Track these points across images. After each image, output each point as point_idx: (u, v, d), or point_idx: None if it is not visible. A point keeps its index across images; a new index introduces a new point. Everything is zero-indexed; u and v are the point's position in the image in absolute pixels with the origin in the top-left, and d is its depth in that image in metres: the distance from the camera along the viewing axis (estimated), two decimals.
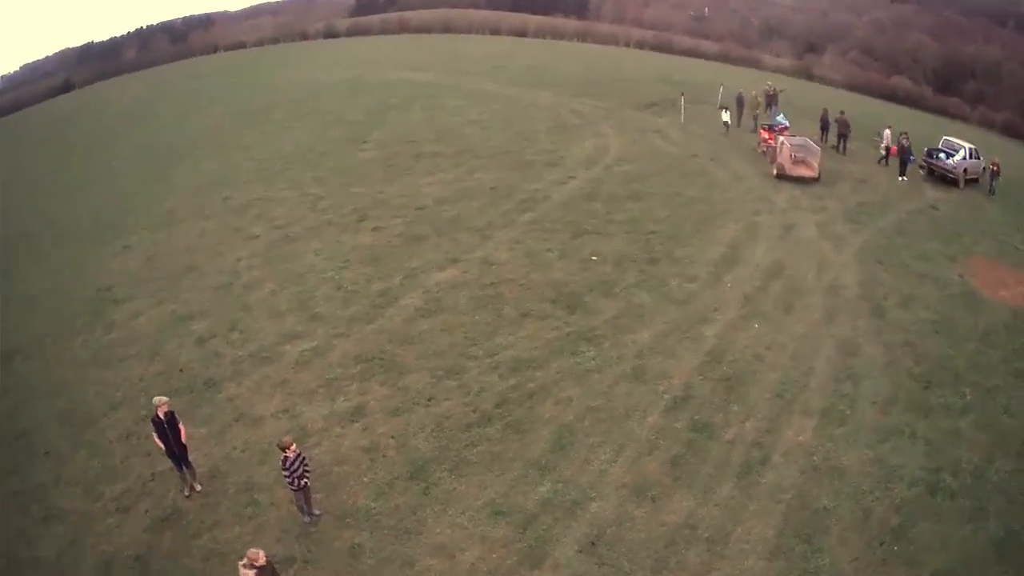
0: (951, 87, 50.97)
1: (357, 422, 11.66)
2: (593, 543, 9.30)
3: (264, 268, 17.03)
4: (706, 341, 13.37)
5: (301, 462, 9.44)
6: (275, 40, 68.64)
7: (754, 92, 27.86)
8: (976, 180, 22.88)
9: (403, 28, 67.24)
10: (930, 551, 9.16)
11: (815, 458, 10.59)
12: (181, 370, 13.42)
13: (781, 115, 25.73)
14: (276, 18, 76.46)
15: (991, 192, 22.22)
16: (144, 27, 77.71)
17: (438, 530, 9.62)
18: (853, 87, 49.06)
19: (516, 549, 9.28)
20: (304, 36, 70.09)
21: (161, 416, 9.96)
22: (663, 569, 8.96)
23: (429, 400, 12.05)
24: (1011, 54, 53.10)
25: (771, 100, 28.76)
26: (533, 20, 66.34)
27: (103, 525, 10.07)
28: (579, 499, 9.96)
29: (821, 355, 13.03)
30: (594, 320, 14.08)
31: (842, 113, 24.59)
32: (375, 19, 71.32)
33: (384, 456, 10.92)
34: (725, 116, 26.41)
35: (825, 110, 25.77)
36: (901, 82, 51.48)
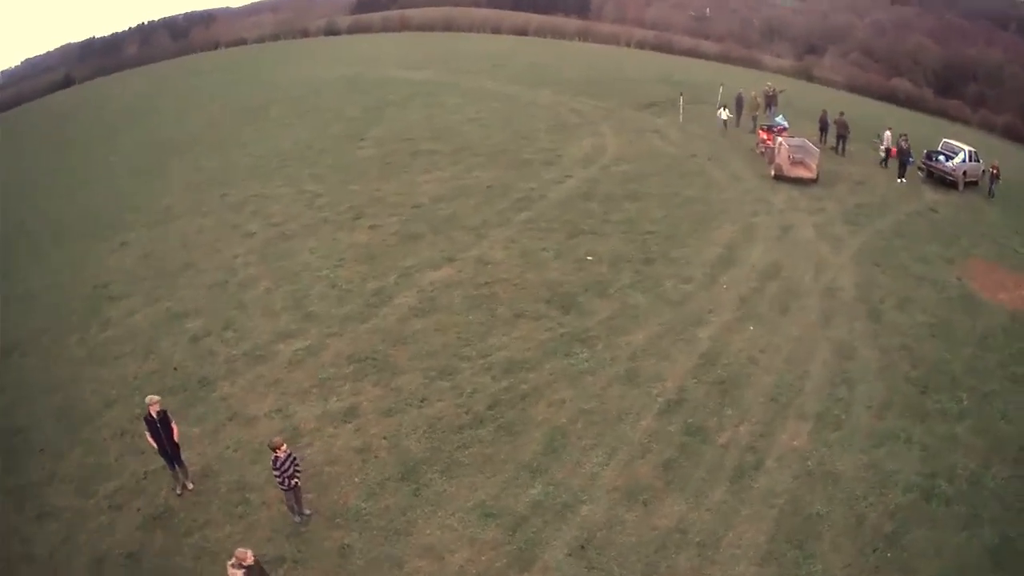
0: (952, 89, 50.82)
1: (349, 422, 11.63)
2: (583, 546, 9.25)
3: (260, 266, 17.00)
4: (701, 343, 13.31)
5: (292, 462, 9.47)
6: (276, 37, 68.47)
7: (753, 92, 27.76)
8: (976, 183, 22.79)
9: (404, 26, 67.11)
10: (924, 558, 9.10)
11: (809, 463, 10.53)
12: (175, 368, 13.41)
13: (780, 116, 25.64)
14: (277, 15, 76.31)
15: (990, 195, 22.14)
16: (146, 23, 77.65)
17: (428, 531, 9.59)
18: (853, 88, 48.90)
19: (505, 551, 9.23)
20: (305, 33, 69.97)
21: (154, 415, 10.03)
22: (653, 574, 8.91)
23: (422, 401, 12.00)
24: (1012, 57, 52.96)
25: (770, 101, 28.67)
26: (534, 19, 66.18)
27: (96, 523, 10.09)
28: (570, 502, 9.91)
29: (816, 358, 12.96)
30: (588, 321, 14.02)
31: (841, 114, 24.50)
32: (376, 16, 71.14)
33: (376, 457, 10.89)
34: (724, 115, 26.32)
35: (824, 111, 25.67)
36: (902, 84, 51.32)
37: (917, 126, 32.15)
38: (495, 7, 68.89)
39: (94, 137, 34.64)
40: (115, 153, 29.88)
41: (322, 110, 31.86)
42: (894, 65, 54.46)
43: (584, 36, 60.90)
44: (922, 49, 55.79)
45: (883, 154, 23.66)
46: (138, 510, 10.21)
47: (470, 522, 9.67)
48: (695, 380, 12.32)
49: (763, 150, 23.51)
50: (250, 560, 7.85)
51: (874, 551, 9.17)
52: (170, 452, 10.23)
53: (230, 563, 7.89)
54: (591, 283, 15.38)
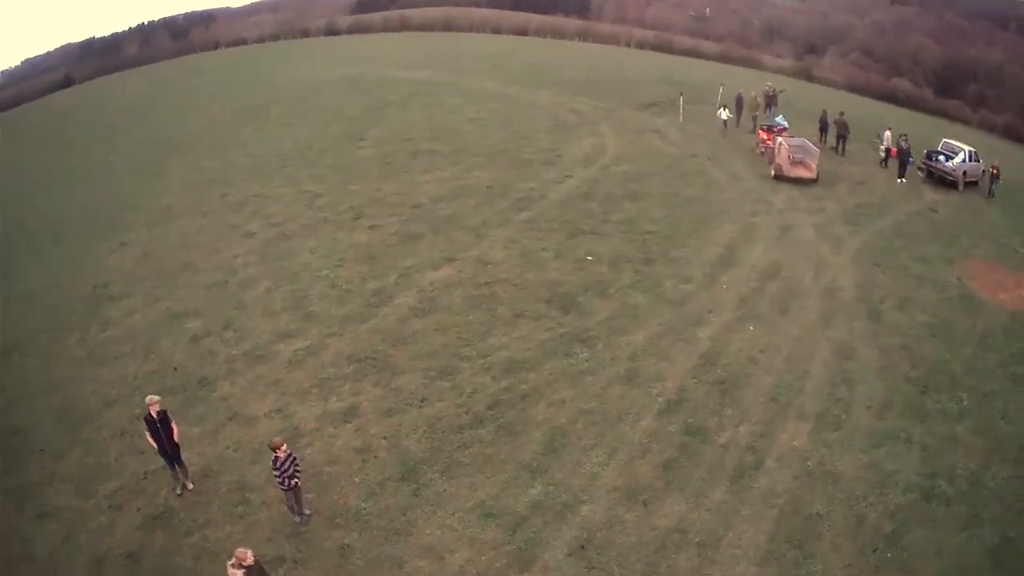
0: (952, 89, 50.79)
1: (349, 422, 11.62)
2: (583, 546, 9.25)
3: (260, 266, 16.99)
4: (701, 343, 13.31)
5: (292, 462, 9.47)
6: (276, 37, 68.48)
7: (753, 93, 27.75)
8: (976, 183, 22.78)
9: (404, 26, 67.11)
10: (924, 558, 9.09)
11: (809, 463, 10.52)
12: (175, 368, 13.40)
13: (780, 116, 25.64)
14: (277, 15, 76.30)
15: (990, 195, 22.13)
16: (146, 23, 77.67)
17: (428, 531, 9.59)
18: (853, 88, 48.87)
19: (505, 551, 9.23)
20: (305, 33, 69.97)
21: (154, 415, 10.02)
22: (653, 574, 8.91)
23: (422, 401, 11.99)
24: (1013, 57, 52.93)
25: (770, 101, 28.66)
26: (534, 19, 66.17)
27: (96, 523, 10.09)
28: (570, 502, 9.90)
29: (816, 358, 12.96)
30: (588, 321, 14.02)
31: (841, 114, 24.50)
32: (376, 16, 71.14)
33: (376, 457, 10.88)
34: (724, 115, 26.32)
35: (824, 111, 25.66)
36: (902, 84, 51.30)
37: (917, 126, 32.15)
38: (495, 7, 68.89)
39: (94, 137, 34.64)
40: (115, 153, 29.88)
41: (322, 110, 31.86)
42: (894, 65, 54.45)
43: (584, 36, 60.89)
44: (922, 49, 55.77)
45: (883, 154, 23.65)
46: (138, 510, 10.21)
47: (470, 522, 9.67)
48: (695, 380, 12.31)
49: (763, 150, 23.51)
50: (250, 560, 7.85)
51: (874, 551, 9.16)
52: (170, 452, 10.23)
53: (230, 563, 7.89)
54: (591, 283, 15.37)
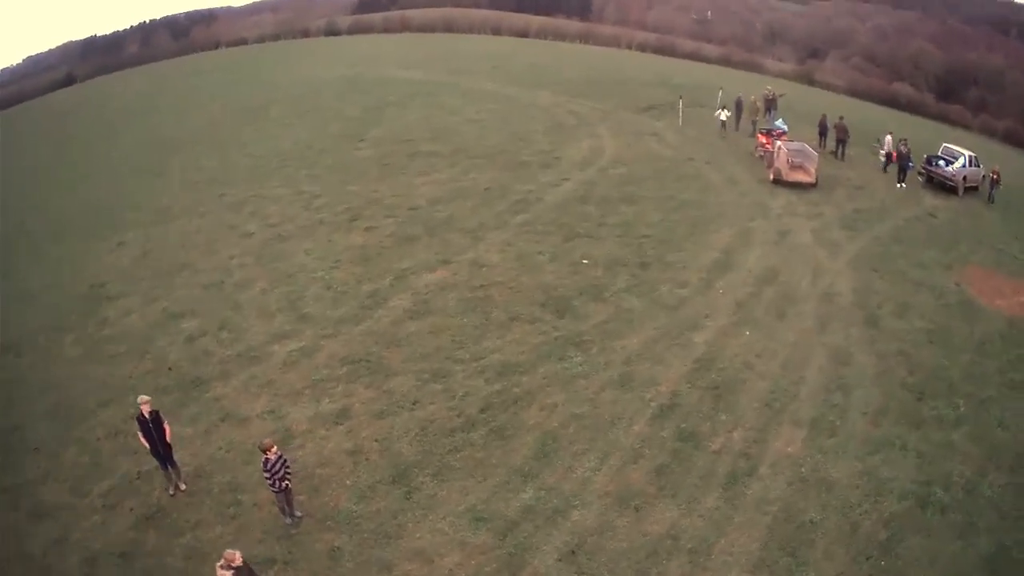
0: (953, 94, 50.79)
1: (341, 424, 11.58)
2: (573, 552, 9.19)
3: (256, 267, 16.97)
4: (696, 348, 13.24)
5: (282, 464, 9.44)
6: (277, 37, 68.66)
7: (753, 97, 27.69)
8: (976, 188, 22.70)
9: (405, 26, 67.20)
10: (918, 567, 9.01)
11: (803, 470, 10.45)
12: (170, 368, 13.38)
13: (780, 120, 25.58)
14: (278, 15, 76.47)
15: (990, 200, 22.05)
16: (147, 22, 77.98)
17: (418, 535, 9.54)
18: (855, 93, 48.83)
19: (495, 556, 9.17)
20: (306, 33, 70.10)
21: (146, 415, 10.01)
22: None
23: (414, 404, 11.94)
24: (1014, 62, 52.94)
25: (770, 105, 28.62)
26: (535, 20, 66.25)
27: (89, 522, 10.07)
28: (561, 507, 9.84)
29: (812, 364, 12.89)
30: (583, 325, 13.96)
31: (841, 119, 24.44)
32: (377, 17, 71.27)
33: (367, 459, 10.84)
34: (723, 115, 26.26)
35: (824, 115, 25.59)
36: (903, 88, 51.27)
37: (918, 131, 32.08)
38: (496, 8, 68.97)
39: (95, 135, 34.68)
40: (115, 152, 29.91)
41: (322, 110, 31.86)
42: (895, 69, 54.46)
43: (585, 38, 60.94)
44: (923, 54, 55.78)
45: (883, 159, 23.59)
46: (131, 510, 10.19)
47: (461, 526, 9.61)
48: (689, 385, 12.24)
49: (762, 154, 23.45)
50: (238, 562, 7.82)
51: (868, 559, 9.08)
52: (162, 452, 10.20)
53: (219, 564, 7.87)
54: (586, 287, 15.31)
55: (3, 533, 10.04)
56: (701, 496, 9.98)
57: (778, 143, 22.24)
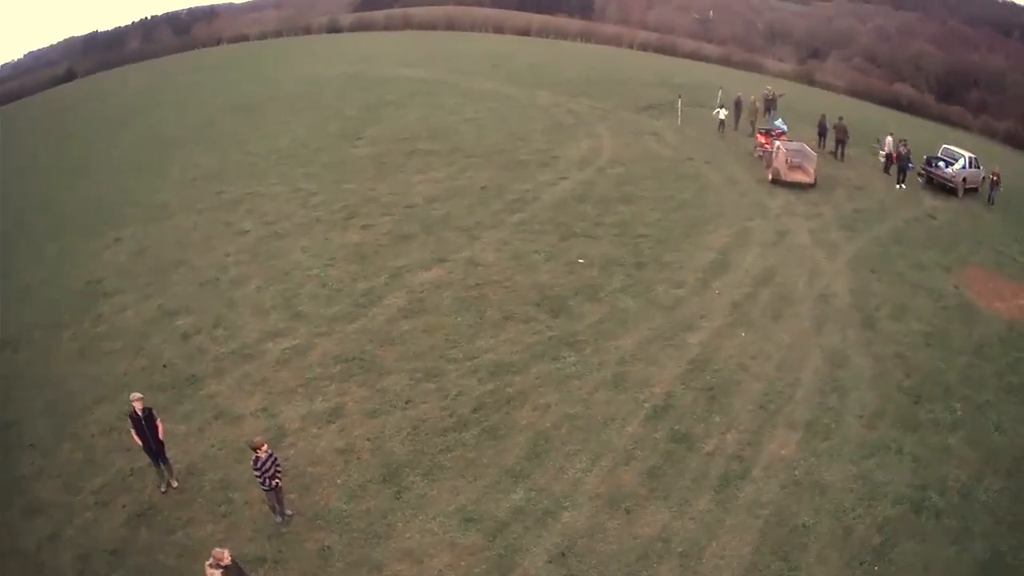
0: (954, 95, 50.64)
1: (334, 423, 11.54)
2: (563, 554, 9.12)
3: (251, 264, 16.93)
4: (690, 349, 13.16)
5: (273, 462, 9.41)
6: (278, 34, 68.53)
7: (753, 97, 27.60)
8: (976, 189, 22.61)
9: (406, 24, 67.10)
10: (912, 572, 8.94)
11: (797, 473, 10.38)
12: (164, 366, 13.35)
13: (779, 120, 25.48)
14: (279, 12, 76.31)
15: (990, 202, 21.96)
16: (148, 18, 77.86)
17: (408, 535, 9.49)
18: (855, 93, 48.69)
19: (485, 557, 9.11)
20: (307, 30, 69.98)
21: (138, 412, 10.00)
22: None
23: (407, 403, 11.89)
24: (1015, 64, 52.76)
25: (770, 105, 28.53)
26: (537, 19, 66.08)
27: (82, 519, 10.07)
28: (552, 508, 9.78)
29: (808, 366, 12.81)
30: (577, 325, 13.89)
31: (840, 119, 24.35)
32: (379, 15, 71.12)
33: (359, 458, 10.79)
34: (721, 114, 26.17)
35: (823, 116, 25.49)
36: (903, 89, 51.11)
37: (918, 132, 31.97)
38: (498, 7, 68.83)
39: (94, 131, 34.58)
40: (115, 148, 29.83)
41: (321, 108, 31.79)
42: (896, 70, 54.32)
43: (586, 37, 60.84)
44: (924, 55, 55.62)
45: (884, 159, 23.49)
46: (124, 507, 10.19)
47: (451, 527, 9.56)
48: (683, 386, 12.17)
49: (761, 154, 23.37)
50: (227, 560, 7.82)
51: (861, 564, 9.01)
52: (155, 449, 10.20)
53: (208, 563, 7.86)
54: (582, 287, 15.24)
55: None
56: (693, 498, 9.91)
57: (777, 143, 22.16)
